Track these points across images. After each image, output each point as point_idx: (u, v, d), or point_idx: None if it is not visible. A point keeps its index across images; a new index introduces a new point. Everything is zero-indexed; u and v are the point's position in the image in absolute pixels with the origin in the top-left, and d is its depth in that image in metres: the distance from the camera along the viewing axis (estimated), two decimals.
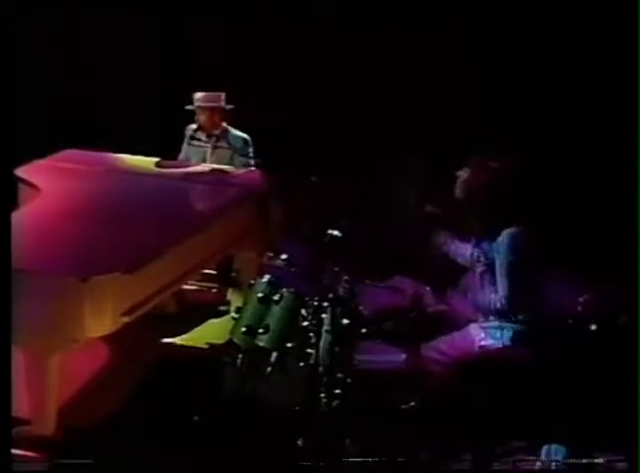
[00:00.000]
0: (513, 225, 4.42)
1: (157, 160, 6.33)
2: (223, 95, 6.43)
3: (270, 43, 7.61)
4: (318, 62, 7.50)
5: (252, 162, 6.38)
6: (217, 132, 6.48)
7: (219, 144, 6.45)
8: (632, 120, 5.10)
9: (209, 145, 6.45)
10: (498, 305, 4.40)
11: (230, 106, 6.45)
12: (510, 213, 4.43)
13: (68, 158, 6.24)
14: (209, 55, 7.65)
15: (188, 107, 6.43)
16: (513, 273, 4.35)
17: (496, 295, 4.42)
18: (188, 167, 6.33)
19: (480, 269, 4.53)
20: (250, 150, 6.48)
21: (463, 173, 4.52)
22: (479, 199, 4.44)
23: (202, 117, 6.46)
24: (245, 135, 6.51)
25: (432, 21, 7.36)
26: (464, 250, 4.74)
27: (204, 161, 6.48)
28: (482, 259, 4.49)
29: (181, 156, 6.61)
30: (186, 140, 6.58)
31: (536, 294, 4.45)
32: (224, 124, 6.50)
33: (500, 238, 4.41)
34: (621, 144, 6.15)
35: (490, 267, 4.46)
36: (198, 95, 6.41)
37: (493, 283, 4.44)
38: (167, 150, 6.59)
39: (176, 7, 7.74)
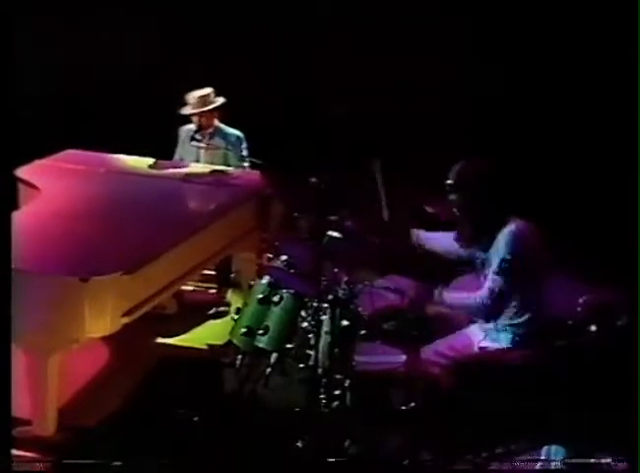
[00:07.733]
0: (510, 224, 4.36)
1: (156, 161, 6.33)
2: (212, 92, 6.37)
3: (270, 43, 7.64)
4: (317, 61, 7.52)
5: (246, 158, 6.35)
6: (210, 130, 6.45)
7: (212, 142, 6.42)
8: (632, 121, 5.11)
9: (202, 144, 6.41)
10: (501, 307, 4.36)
11: (222, 100, 6.42)
12: (506, 212, 4.38)
13: (69, 158, 6.24)
14: (208, 54, 7.67)
15: (182, 113, 6.39)
16: (509, 273, 4.31)
17: (495, 295, 4.37)
18: (187, 167, 6.33)
19: (482, 271, 4.50)
20: (244, 146, 6.45)
21: (457, 170, 4.45)
22: (474, 197, 4.38)
23: (196, 118, 6.43)
24: (238, 132, 6.47)
25: (431, 20, 7.38)
26: (444, 242, 4.69)
27: (197, 160, 6.46)
28: (485, 260, 4.45)
29: (176, 157, 6.60)
30: (181, 141, 6.56)
31: (535, 294, 4.42)
32: (217, 122, 6.48)
33: (499, 238, 4.36)
34: (621, 144, 6.16)
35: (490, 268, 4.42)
36: (190, 99, 6.38)
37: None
38: (168, 151, 6.59)
39: (174, 7, 7.76)
